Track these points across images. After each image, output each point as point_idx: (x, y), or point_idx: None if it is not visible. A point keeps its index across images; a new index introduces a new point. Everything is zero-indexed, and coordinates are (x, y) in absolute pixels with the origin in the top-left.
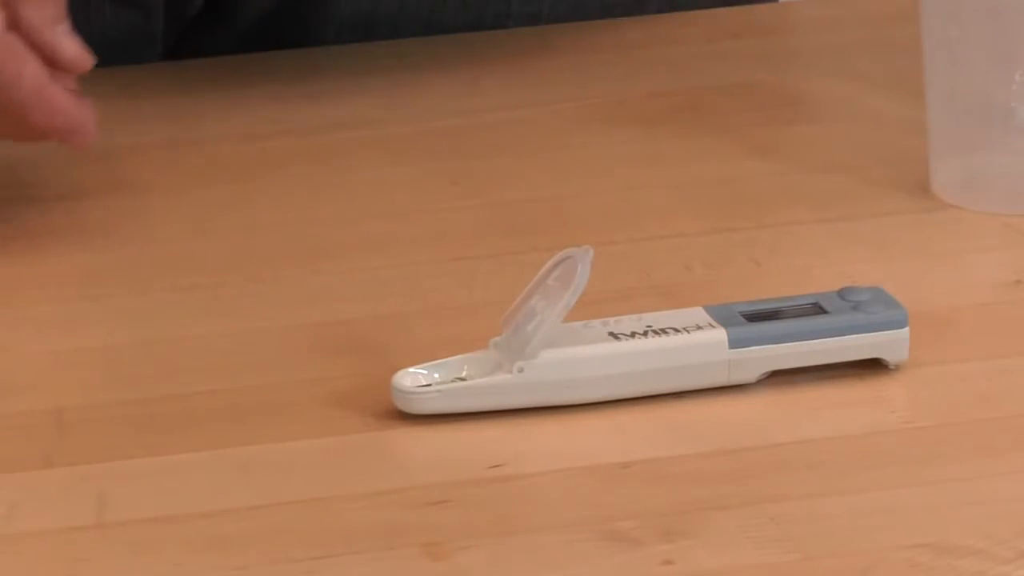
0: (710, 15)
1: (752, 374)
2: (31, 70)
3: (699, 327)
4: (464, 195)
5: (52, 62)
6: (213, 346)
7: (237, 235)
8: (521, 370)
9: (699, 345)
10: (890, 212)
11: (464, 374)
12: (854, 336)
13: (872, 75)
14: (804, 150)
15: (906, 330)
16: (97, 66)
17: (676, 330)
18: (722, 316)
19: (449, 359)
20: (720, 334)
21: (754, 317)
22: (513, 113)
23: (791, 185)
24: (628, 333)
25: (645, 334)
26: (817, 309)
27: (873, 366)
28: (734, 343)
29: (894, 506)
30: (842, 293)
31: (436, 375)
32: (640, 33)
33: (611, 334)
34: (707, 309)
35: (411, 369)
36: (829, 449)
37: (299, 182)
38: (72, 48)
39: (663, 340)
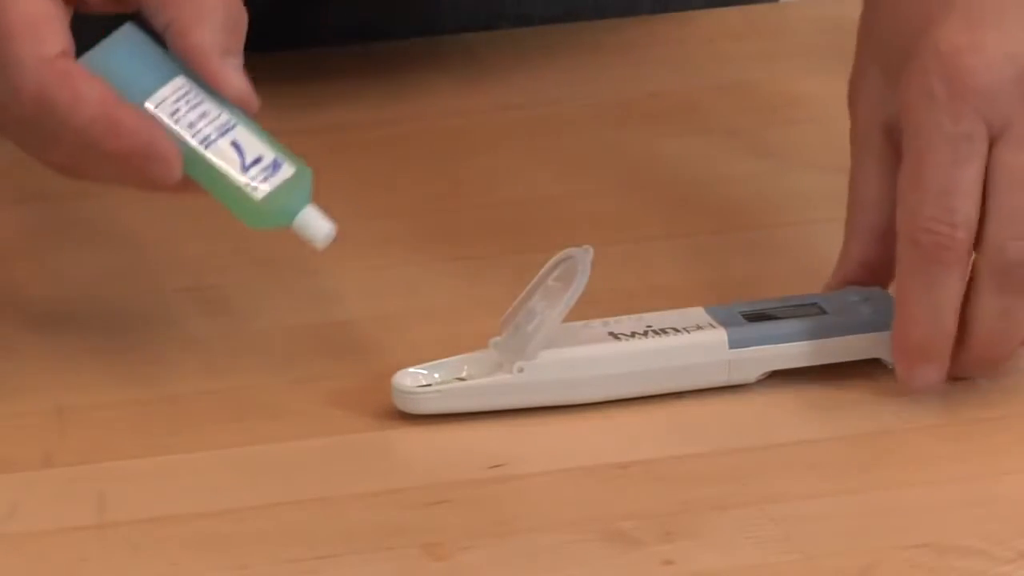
0: (710, 15)
1: (752, 374)
2: (92, 93)
3: (699, 327)
4: (464, 195)
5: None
6: (213, 346)
7: (236, 235)
8: (521, 370)
9: (699, 345)
10: None
11: (464, 374)
12: (854, 336)
13: None
14: (804, 150)
15: None
16: None
17: (676, 330)
18: (722, 316)
19: (449, 359)
20: (720, 334)
21: (754, 317)
22: (513, 113)
23: (791, 185)
24: (628, 333)
25: (645, 334)
26: (817, 309)
27: (873, 366)
28: (734, 343)
29: (894, 506)
30: (842, 293)
31: (436, 375)
32: (640, 33)
33: (611, 334)
34: (707, 309)
35: (411, 369)
36: (829, 449)
37: None
38: (237, 84)
39: (663, 340)
